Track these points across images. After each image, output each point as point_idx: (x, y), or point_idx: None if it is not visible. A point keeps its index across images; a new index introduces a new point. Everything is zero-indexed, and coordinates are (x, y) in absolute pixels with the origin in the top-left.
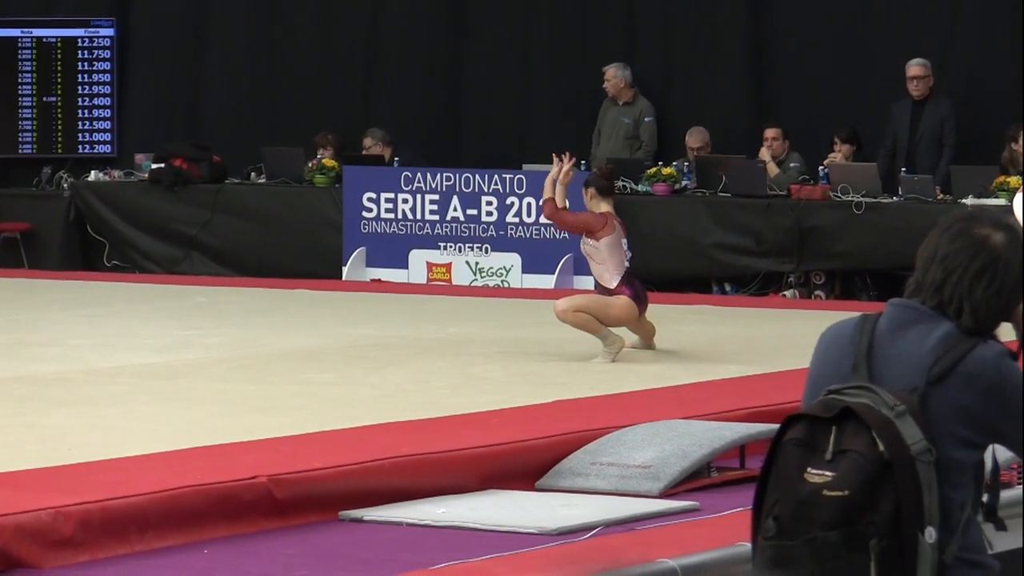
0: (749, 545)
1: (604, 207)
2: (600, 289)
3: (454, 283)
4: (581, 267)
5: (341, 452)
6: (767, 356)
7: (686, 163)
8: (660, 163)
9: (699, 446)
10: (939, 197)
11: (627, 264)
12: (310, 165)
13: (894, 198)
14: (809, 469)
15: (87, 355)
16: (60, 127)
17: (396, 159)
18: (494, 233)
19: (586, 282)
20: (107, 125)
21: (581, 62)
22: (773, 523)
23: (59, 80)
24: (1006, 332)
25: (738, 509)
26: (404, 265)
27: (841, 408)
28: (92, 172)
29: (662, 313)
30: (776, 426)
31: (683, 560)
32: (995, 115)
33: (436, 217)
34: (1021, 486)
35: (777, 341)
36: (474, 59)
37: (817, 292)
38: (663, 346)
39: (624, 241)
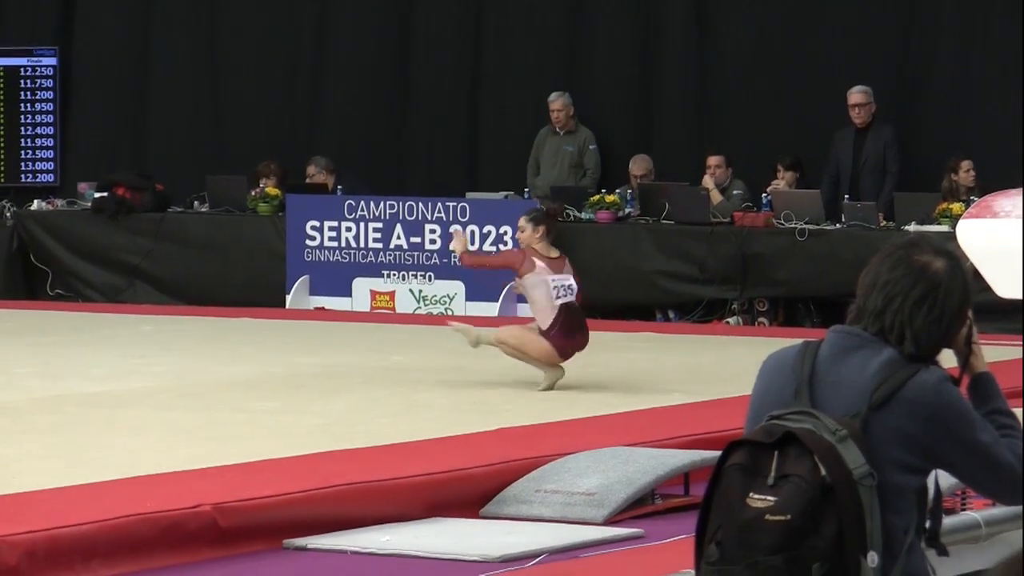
0: (692, 572)
1: (538, 246)
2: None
3: (398, 311)
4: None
5: (285, 480)
6: (711, 383)
7: (629, 191)
8: (603, 191)
9: (643, 473)
10: (882, 224)
11: (561, 300)
12: (253, 193)
13: (837, 225)
14: (751, 494)
15: (31, 384)
16: (2, 156)
17: (339, 187)
18: (438, 261)
19: (527, 310)
20: (50, 154)
21: (524, 90)
22: (716, 548)
23: (1, 109)
24: (948, 358)
25: (682, 536)
26: (348, 293)
27: (783, 433)
28: (35, 201)
29: (606, 341)
30: (719, 453)
31: None
32: (936, 142)
33: (380, 245)
34: (964, 512)
35: (721, 368)
36: (418, 87)
37: (760, 319)
38: (608, 373)
39: (553, 279)
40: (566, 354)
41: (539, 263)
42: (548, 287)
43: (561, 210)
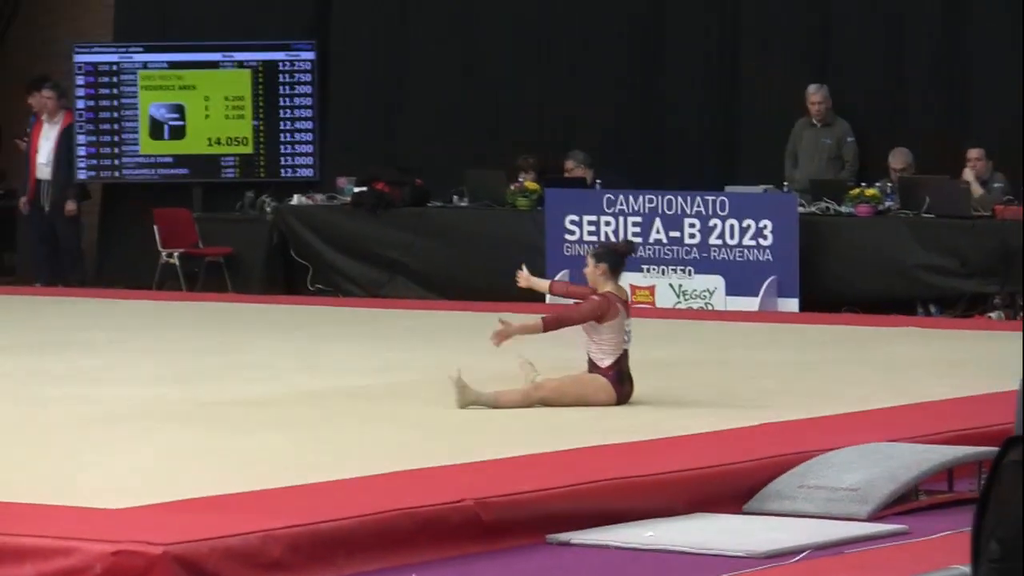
0: (960, 568)
1: (609, 286)
2: (590, 365)
3: (657, 305)
4: (786, 289)
5: (549, 475)
6: (973, 378)
7: (889, 184)
8: (863, 184)
9: (907, 469)
10: None
11: (625, 347)
12: (512, 188)
13: None
14: None
15: (292, 378)
16: (262, 151)
17: (598, 181)
18: (697, 255)
19: (791, 304)
20: (309, 149)
21: (782, 82)
22: (997, 546)
23: (261, 104)
24: None
25: (947, 532)
26: None
27: None
28: (295, 196)
29: (867, 336)
30: (985, 449)
31: None
32: None
33: (639, 240)
34: None
35: (983, 363)
36: (675, 81)
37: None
38: (869, 368)
39: (627, 322)
40: (622, 393)
41: (620, 307)
42: (622, 333)
43: (631, 248)
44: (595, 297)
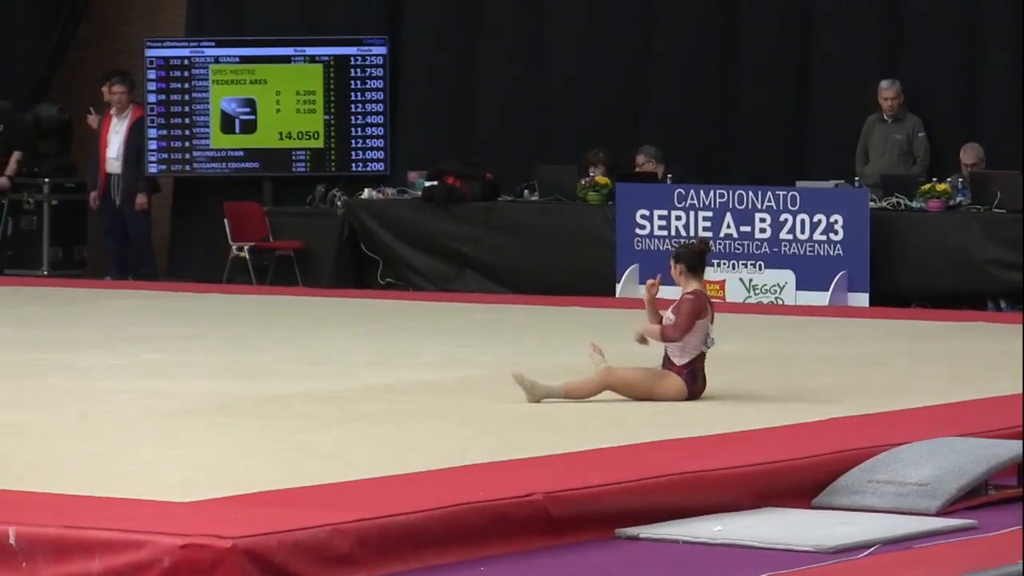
0: None
1: (694, 284)
2: (664, 361)
3: (728, 300)
4: (856, 283)
5: (617, 469)
6: None
7: (960, 179)
8: (934, 179)
9: (976, 463)
10: None
11: (706, 349)
12: (583, 182)
13: None
14: None
15: (362, 372)
16: (333, 145)
17: (669, 176)
18: (767, 250)
19: (861, 299)
20: (380, 143)
21: (851, 76)
22: None
23: (332, 99)
24: None
25: (1017, 527)
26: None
27: None
28: (365, 190)
29: (936, 330)
30: None
31: None
32: None
33: (709, 234)
34: None
35: None
36: (746, 76)
37: None
38: (939, 363)
39: (711, 327)
40: (694, 390)
41: (707, 305)
42: (705, 334)
43: (706, 245)
44: (688, 295)
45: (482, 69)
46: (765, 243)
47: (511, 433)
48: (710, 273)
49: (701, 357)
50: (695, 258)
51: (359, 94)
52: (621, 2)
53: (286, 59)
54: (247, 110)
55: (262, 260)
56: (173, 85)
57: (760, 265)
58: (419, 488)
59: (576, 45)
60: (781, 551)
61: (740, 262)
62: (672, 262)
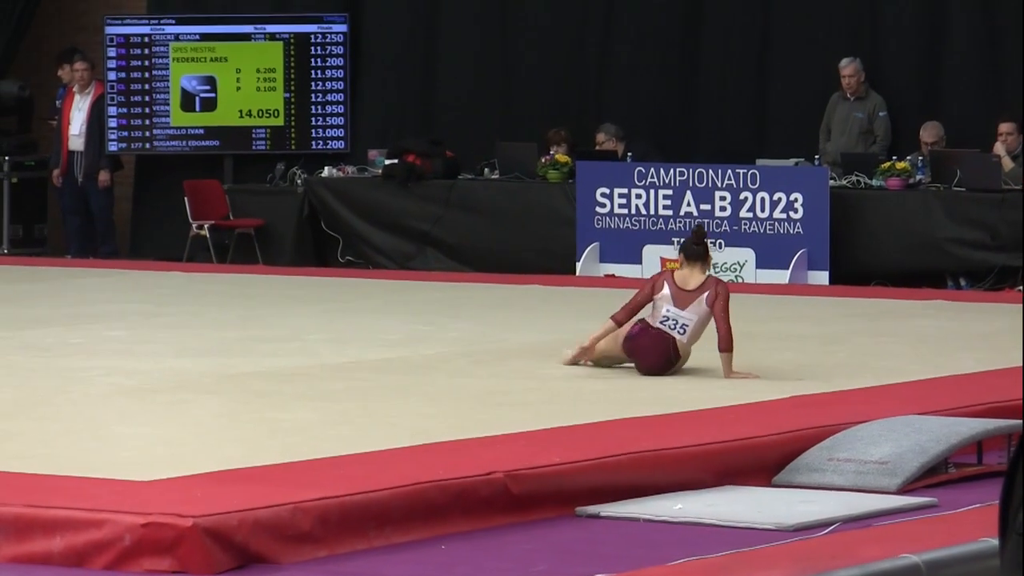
0: (991, 541)
1: (696, 272)
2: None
3: None
4: (816, 262)
5: (578, 448)
6: (1002, 352)
7: (920, 158)
8: (894, 157)
9: (936, 442)
10: None
11: (655, 324)
12: (543, 160)
13: None
14: None
15: (323, 350)
16: (293, 123)
17: (629, 154)
18: (728, 228)
19: (821, 277)
20: (340, 121)
21: (814, 54)
22: None
23: (292, 76)
24: None
25: (977, 505)
26: (638, 260)
27: None
28: (325, 168)
29: (896, 309)
30: (1014, 421)
31: (926, 555)
32: None
33: (670, 212)
34: None
35: (1013, 336)
36: (708, 53)
37: None
38: (899, 341)
39: (667, 310)
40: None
41: (665, 291)
42: (656, 309)
43: (699, 232)
44: (716, 287)
45: (443, 47)
46: (725, 221)
47: (472, 411)
48: (668, 251)
49: (645, 327)
50: (688, 246)
51: (319, 72)
52: None
53: (246, 36)
54: (207, 88)
55: (223, 238)
56: (133, 63)
57: (720, 243)
58: (380, 466)
59: (537, 23)
60: (742, 529)
61: None
62: (681, 256)
